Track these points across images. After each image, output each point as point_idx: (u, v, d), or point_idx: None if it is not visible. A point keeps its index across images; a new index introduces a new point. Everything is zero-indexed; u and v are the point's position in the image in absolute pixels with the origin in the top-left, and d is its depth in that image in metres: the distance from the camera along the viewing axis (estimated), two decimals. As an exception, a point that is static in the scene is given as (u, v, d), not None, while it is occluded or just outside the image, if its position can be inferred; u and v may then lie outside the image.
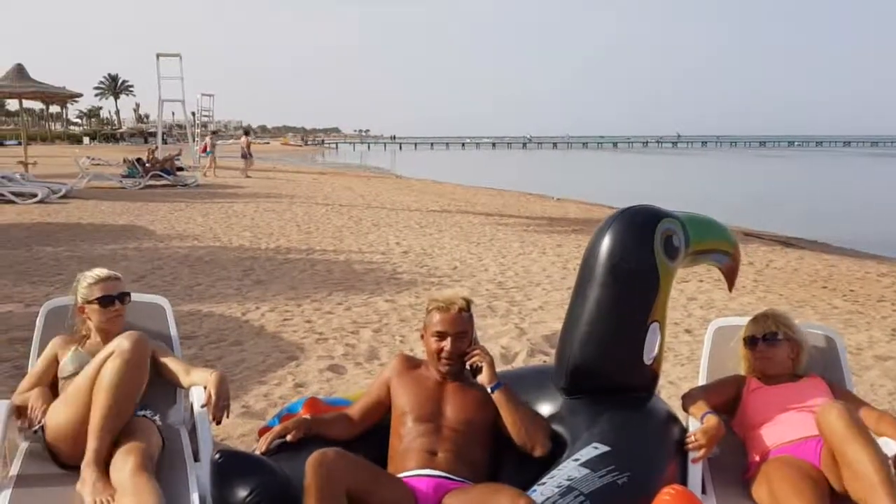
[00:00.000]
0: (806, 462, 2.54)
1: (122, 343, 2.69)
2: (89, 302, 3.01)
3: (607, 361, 2.80)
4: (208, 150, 27.70)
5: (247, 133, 30.80)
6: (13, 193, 15.70)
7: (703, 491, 2.63)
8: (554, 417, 2.80)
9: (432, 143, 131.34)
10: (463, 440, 2.59)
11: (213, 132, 31.25)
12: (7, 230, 11.57)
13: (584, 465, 2.42)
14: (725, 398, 2.96)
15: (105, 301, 3.00)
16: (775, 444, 2.69)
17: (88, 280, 3.04)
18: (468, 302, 2.75)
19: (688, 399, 2.89)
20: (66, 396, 2.74)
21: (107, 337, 3.03)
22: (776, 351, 2.95)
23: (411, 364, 2.82)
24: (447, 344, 2.66)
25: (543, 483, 2.39)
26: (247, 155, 27.01)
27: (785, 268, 9.80)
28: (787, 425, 2.72)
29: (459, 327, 2.68)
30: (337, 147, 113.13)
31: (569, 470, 2.41)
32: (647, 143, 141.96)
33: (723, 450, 2.83)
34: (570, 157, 79.76)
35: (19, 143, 35.21)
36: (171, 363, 3.10)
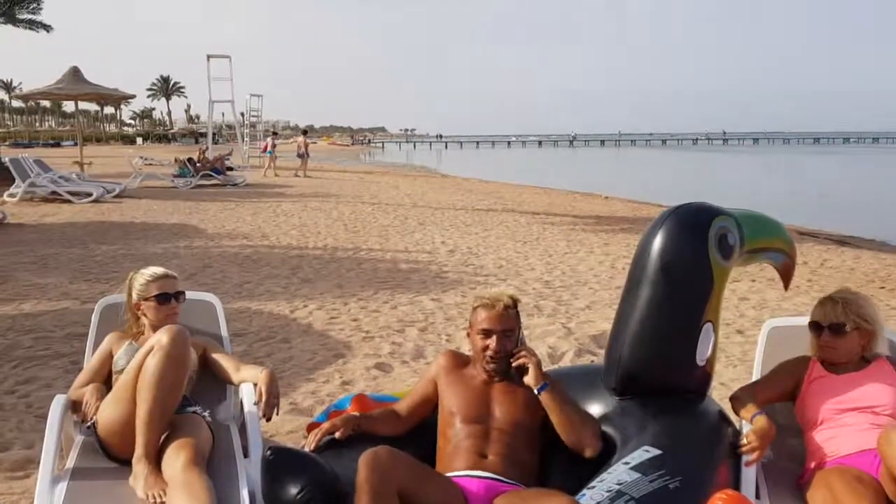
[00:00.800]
0: (863, 472, 2.45)
1: (161, 338, 2.71)
2: (146, 299, 3.07)
3: (659, 362, 2.75)
4: (269, 149, 28.10)
5: (304, 133, 31.23)
6: (69, 193, 16.12)
7: (757, 496, 2.56)
8: (604, 418, 2.75)
9: (478, 142, 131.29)
10: (512, 441, 2.57)
11: (274, 133, 31.71)
12: (63, 229, 11.88)
13: (635, 468, 2.37)
14: (782, 390, 2.84)
15: (162, 298, 3.07)
16: (833, 455, 2.58)
17: (146, 277, 3.10)
18: (514, 300, 2.71)
19: (736, 401, 2.79)
20: (114, 393, 2.78)
21: None
22: (842, 342, 2.74)
23: (459, 362, 2.79)
24: (493, 342, 2.63)
25: (593, 487, 2.34)
26: (304, 154, 27.39)
27: (840, 267, 9.54)
28: (848, 431, 2.61)
29: (505, 325, 2.64)
30: (383, 146, 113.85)
31: (619, 474, 2.36)
32: (696, 140, 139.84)
33: (777, 454, 2.75)
34: (618, 154, 78.95)
35: (75, 144, 36.13)
36: (221, 360, 3.14)
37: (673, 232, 2.72)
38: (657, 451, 2.45)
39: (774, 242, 3.07)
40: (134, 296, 3.11)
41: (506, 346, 2.64)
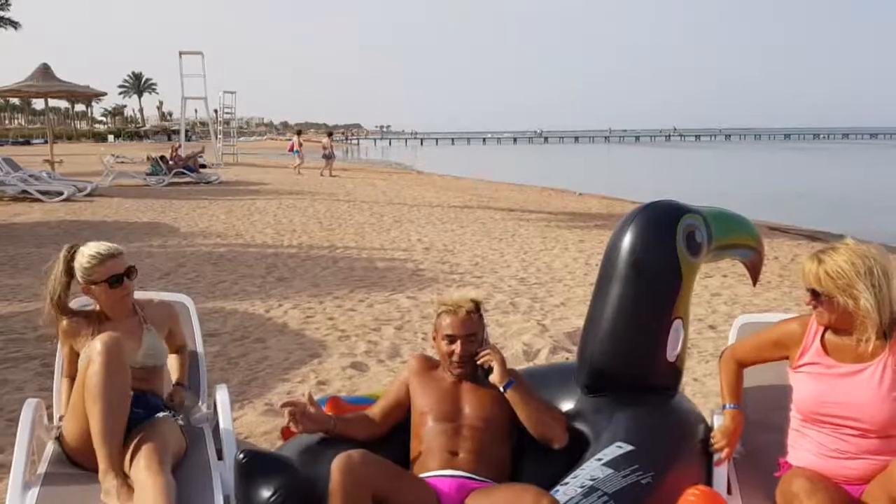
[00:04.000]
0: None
1: (94, 347, 2.60)
2: (96, 283, 2.81)
3: (630, 359, 2.78)
4: (296, 148, 27.89)
5: (330, 135, 31.17)
6: (40, 192, 15.89)
7: (729, 491, 2.59)
8: (577, 415, 2.79)
9: (453, 139, 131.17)
10: (483, 438, 2.59)
11: (298, 132, 31.60)
12: (34, 228, 11.72)
13: (608, 464, 2.41)
14: (769, 357, 2.65)
15: (113, 282, 2.81)
16: (808, 466, 2.44)
17: (90, 260, 2.80)
18: (477, 303, 2.73)
19: (721, 363, 2.74)
20: (70, 408, 2.73)
21: (117, 317, 2.90)
22: (824, 309, 2.38)
23: (429, 364, 2.82)
24: (457, 347, 2.66)
25: (566, 483, 2.37)
26: (330, 155, 27.29)
27: (811, 262, 9.65)
28: (827, 453, 2.41)
29: (468, 329, 2.67)
30: (358, 143, 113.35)
31: (592, 469, 2.40)
32: (668, 136, 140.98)
33: (750, 449, 2.79)
34: (591, 151, 79.32)
35: (45, 142, 35.67)
36: (174, 361, 3.13)
37: (642, 230, 2.75)
38: (629, 447, 2.48)
39: (742, 239, 3.12)
40: (79, 278, 2.82)
41: (470, 350, 2.67)
